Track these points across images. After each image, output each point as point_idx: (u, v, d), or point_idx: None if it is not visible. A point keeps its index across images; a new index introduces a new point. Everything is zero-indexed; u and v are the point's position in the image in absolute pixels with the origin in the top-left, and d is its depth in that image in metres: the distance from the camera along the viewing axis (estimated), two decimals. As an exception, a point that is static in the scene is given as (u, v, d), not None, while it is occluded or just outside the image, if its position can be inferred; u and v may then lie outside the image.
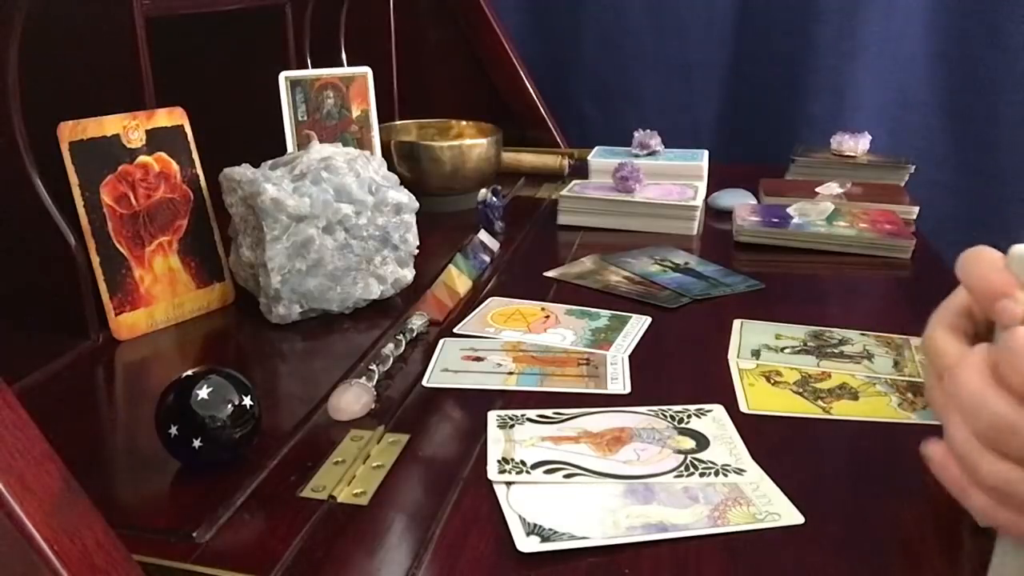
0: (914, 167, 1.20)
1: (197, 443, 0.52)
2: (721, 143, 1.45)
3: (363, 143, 1.00)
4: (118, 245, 0.74)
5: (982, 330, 0.46)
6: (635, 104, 1.48)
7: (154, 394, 0.54)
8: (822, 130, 1.34)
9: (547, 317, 0.79)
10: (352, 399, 0.62)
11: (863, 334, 0.75)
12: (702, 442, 0.58)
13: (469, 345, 0.73)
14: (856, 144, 1.24)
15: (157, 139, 0.77)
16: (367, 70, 1.00)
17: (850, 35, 1.36)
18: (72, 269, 0.70)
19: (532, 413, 0.62)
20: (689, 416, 0.61)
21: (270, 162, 0.81)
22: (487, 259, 0.93)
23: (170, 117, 0.78)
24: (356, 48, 1.23)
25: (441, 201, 1.12)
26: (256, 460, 0.55)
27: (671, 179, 1.14)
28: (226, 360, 0.76)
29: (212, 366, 0.55)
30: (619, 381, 0.67)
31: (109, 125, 0.74)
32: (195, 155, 0.80)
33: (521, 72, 1.36)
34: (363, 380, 0.64)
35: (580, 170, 1.23)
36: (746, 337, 0.75)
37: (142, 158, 0.76)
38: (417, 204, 0.83)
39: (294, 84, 0.94)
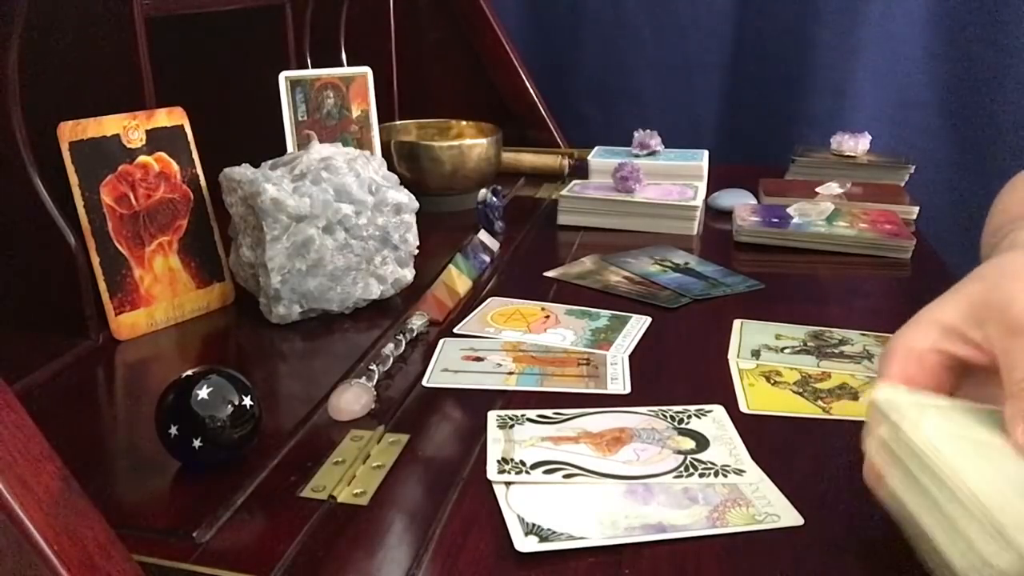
0: (914, 167, 1.20)
1: (197, 443, 0.52)
2: (721, 143, 1.45)
3: (363, 143, 1.00)
4: (118, 245, 0.74)
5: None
6: (635, 104, 1.48)
7: (154, 394, 0.54)
8: (822, 130, 1.34)
9: (547, 317, 0.79)
10: (352, 399, 0.62)
11: (863, 334, 0.75)
12: (702, 443, 0.58)
13: (469, 345, 0.73)
14: (856, 144, 1.24)
15: (157, 139, 0.77)
16: (367, 70, 1.00)
17: (850, 35, 1.36)
18: (72, 269, 0.70)
19: (532, 413, 0.62)
20: (689, 416, 0.61)
21: (270, 162, 0.81)
22: (487, 259, 0.93)
23: (170, 117, 0.78)
24: (356, 48, 1.23)
25: (441, 201, 1.12)
26: (256, 460, 0.55)
27: (671, 179, 1.14)
28: (226, 360, 0.76)
29: (212, 366, 0.55)
30: (619, 381, 0.67)
31: (109, 125, 0.74)
32: (195, 155, 0.80)
33: (521, 72, 1.36)
34: (363, 380, 0.64)
35: (580, 170, 1.23)
36: (746, 337, 0.75)
37: (142, 158, 0.76)
38: (417, 204, 0.83)
39: (294, 84, 0.94)
